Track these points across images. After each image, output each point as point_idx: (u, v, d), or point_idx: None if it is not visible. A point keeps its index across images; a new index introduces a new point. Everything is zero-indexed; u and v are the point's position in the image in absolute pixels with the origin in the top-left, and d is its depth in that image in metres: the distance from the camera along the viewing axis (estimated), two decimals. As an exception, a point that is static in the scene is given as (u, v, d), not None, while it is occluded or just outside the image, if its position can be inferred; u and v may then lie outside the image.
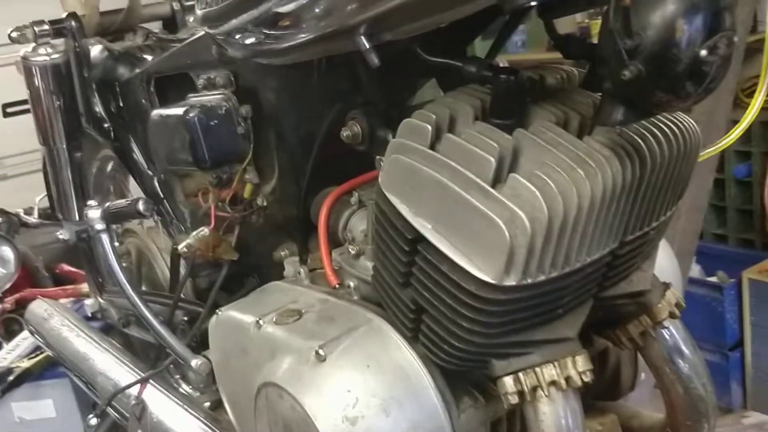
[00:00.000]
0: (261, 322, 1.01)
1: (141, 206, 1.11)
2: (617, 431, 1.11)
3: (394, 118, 0.96)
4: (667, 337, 1.01)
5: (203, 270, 1.42)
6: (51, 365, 2.04)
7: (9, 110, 2.22)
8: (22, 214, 3.02)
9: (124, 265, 1.86)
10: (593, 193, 0.78)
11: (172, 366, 1.40)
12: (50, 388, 2.05)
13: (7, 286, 2.71)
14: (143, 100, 1.45)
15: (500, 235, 0.76)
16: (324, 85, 1.09)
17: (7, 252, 2.72)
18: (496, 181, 0.79)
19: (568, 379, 0.85)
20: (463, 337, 0.84)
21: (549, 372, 0.85)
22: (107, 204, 1.19)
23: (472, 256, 0.80)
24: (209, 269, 1.41)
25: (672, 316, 0.97)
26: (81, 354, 1.67)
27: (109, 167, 1.92)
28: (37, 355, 2.07)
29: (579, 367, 0.85)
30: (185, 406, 1.38)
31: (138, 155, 1.57)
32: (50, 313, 1.87)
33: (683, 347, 1.01)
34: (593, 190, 0.78)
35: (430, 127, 0.84)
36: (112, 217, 1.16)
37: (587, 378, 0.85)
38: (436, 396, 0.90)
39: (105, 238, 1.17)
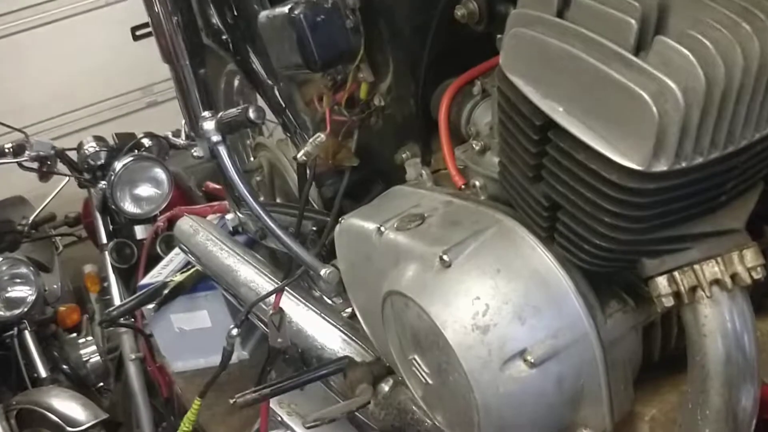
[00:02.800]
0: (382, 228, 0.95)
1: (252, 113, 1.06)
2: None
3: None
4: None
5: (327, 179, 1.37)
6: (202, 278, 2.11)
7: (138, 33, 2.24)
8: (170, 136, 3.13)
9: (258, 178, 1.88)
10: (764, 53, 0.63)
11: (309, 277, 1.39)
12: (204, 299, 2.12)
13: (163, 206, 2.85)
14: (255, 5, 1.39)
15: (646, 112, 0.63)
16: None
17: (160, 174, 2.84)
18: (640, 47, 0.66)
19: (734, 276, 0.72)
20: (606, 235, 0.73)
21: (711, 269, 0.72)
22: (220, 114, 1.15)
23: (613, 139, 0.68)
24: (333, 177, 1.36)
25: None
26: (225, 266, 1.70)
27: (236, 81, 1.91)
28: (188, 269, 2.15)
29: (748, 262, 0.72)
30: (324, 315, 1.37)
31: (257, 65, 1.53)
32: (196, 229, 1.91)
33: None
34: (764, 48, 0.63)
35: (556, -8, 0.72)
36: (225, 127, 1.12)
37: (758, 275, 0.72)
38: (577, 300, 0.81)
39: (222, 150, 1.13)
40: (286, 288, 1.36)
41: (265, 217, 1.15)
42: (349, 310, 1.47)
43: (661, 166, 0.66)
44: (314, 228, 1.36)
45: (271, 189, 1.83)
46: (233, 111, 1.12)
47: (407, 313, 0.87)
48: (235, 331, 1.31)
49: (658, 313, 0.86)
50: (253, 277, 1.62)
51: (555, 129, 0.73)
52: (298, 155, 1.17)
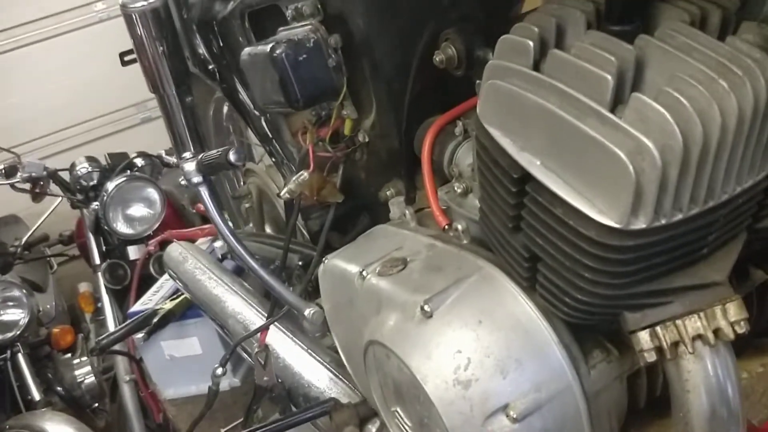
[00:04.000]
0: (365, 273, 0.94)
1: (232, 156, 1.05)
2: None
3: (495, 34, 0.82)
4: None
5: (313, 212, 1.35)
6: (192, 305, 2.10)
7: (126, 58, 2.23)
8: (164, 155, 3.11)
9: (247, 205, 1.86)
10: (741, 109, 0.62)
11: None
12: (194, 326, 2.10)
13: (156, 225, 2.83)
14: (240, 38, 1.38)
15: (623, 171, 0.62)
16: (414, 2, 0.96)
17: (153, 194, 2.82)
18: (616, 103, 0.65)
19: (717, 331, 0.71)
20: (586, 289, 0.71)
21: (693, 324, 0.71)
22: (200, 156, 1.13)
23: (590, 196, 0.66)
24: (319, 211, 1.34)
25: None
26: (213, 296, 1.69)
27: (225, 107, 1.90)
28: (178, 296, 2.14)
29: (731, 316, 0.71)
30: (311, 352, 1.35)
31: (244, 96, 1.52)
32: (185, 257, 1.90)
33: None
34: (741, 104, 0.62)
35: (532, 43, 0.70)
36: (206, 169, 1.11)
37: (741, 329, 0.71)
38: (560, 351, 0.79)
39: (204, 191, 1.12)
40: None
41: (248, 258, 1.14)
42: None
43: (640, 224, 0.65)
44: (300, 263, 1.35)
45: (260, 215, 1.81)
46: (213, 153, 1.10)
47: (389, 364, 0.86)
48: (219, 371, 1.29)
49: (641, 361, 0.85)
50: (241, 308, 1.60)
51: (532, 182, 0.71)
52: (282, 193, 1.15)
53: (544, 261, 0.75)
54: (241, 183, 1.99)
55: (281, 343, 1.37)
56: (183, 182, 1.50)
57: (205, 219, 2.97)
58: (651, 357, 0.73)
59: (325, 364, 1.31)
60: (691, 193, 0.64)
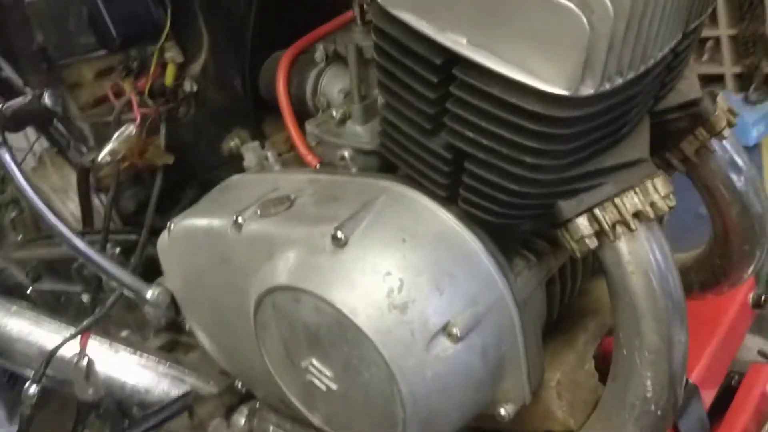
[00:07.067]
0: (240, 219, 0.80)
1: (48, 99, 0.84)
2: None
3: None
4: (720, 151, 0.87)
5: (125, 190, 1.17)
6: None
7: None
8: None
9: (13, 214, 1.58)
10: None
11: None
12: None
13: None
14: (1, -5, 1.15)
15: (575, 26, 0.57)
16: None
17: None
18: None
19: (652, 205, 0.70)
20: (525, 177, 0.66)
21: (630, 201, 0.69)
22: None
23: (533, 65, 0.61)
24: (133, 187, 1.16)
25: (729, 124, 0.84)
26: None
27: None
28: None
29: (660, 190, 0.70)
30: (139, 353, 1.15)
31: (7, 72, 1.27)
32: None
33: (738, 160, 0.89)
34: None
35: None
36: (11, 123, 0.88)
37: (671, 202, 0.70)
38: (489, 260, 0.73)
39: (6, 155, 0.88)
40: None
41: (73, 237, 0.92)
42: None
43: (588, 89, 0.61)
44: (117, 250, 1.15)
45: (35, 224, 1.54)
46: (18, 100, 0.88)
47: (299, 310, 0.73)
48: (33, 389, 1.04)
49: (556, 266, 0.82)
50: (29, 328, 1.34)
51: (460, 65, 0.65)
52: (100, 156, 0.96)
53: (473, 157, 0.68)
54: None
55: (100, 350, 1.16)
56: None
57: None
58: (592, 243, 0.70)
59: (162, 362, 1.13)
60: (632, 53, 0.62)
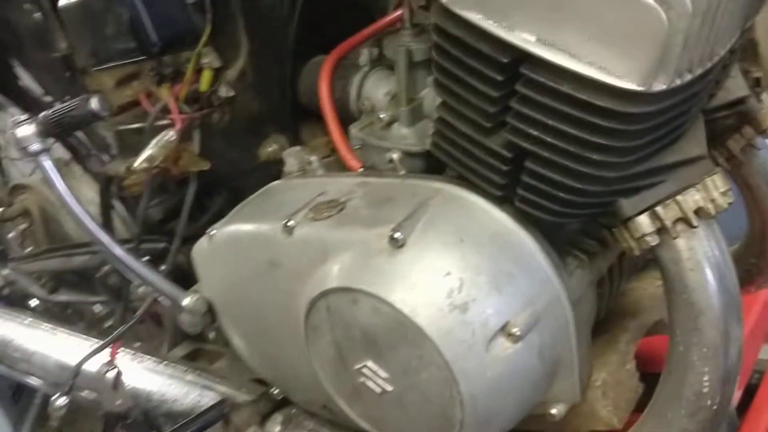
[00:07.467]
0: (290, 223, 0.79)
1: (95, 104, 0.83)
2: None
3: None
4: (765, 149, 0.88)
5: (151, 199, 1.15)
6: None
7: None
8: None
9: (23, 226, 1.55)
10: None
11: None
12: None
13: None
14: (27, 4, 1.14)
15: (653, 20, 0.58)
16: None
17: None
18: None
19: (713, 202, 0.70)
20: (589, 175, 0.66)
21: (692, 198, 0.69)
22: (42, 114, 0.87)
23: (605, 62, 0.61)
24: (159, 196, 1.15)
25: (775, 122, 0.85)
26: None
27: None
28: None
29: (719, 187, 0.71)
30: (165, 363, 1.14)
31: (27, 81, 1.26)
32: None
33: (785, 159, 0.90)
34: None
35: None
36: (59, 129, 0.85)
37: (731, 199, 0.71)
38: (544, 260, 0.73)
39: (47, 162, 0.86)
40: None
41: (111, 244, 0.90)
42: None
43: (661, 85, 0.61)
44: (148, 257, 1.13)
45: (47, 237, 1.52)
46: (64, 106, 0.86)
47: (356, 312, 0.73)
48: (61, 401, 1.02)
49: (606, 267, 0.82)
50: (46, 340, 1.31)
51: (528, 63, 0.65)
52: (136, 163, 0.95)
53: (535, 155, 0.68)
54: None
55: (127, 360, 1.14)
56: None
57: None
58: (654, 240, 0.70)
59: (191, 371, 1.11)
60: (702, 49, 0.63)
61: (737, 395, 1.14)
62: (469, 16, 0.66)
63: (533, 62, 0.64)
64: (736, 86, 0.82)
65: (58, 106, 0.86)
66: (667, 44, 0.59)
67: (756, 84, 2.58)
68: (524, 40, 0.64)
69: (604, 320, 0.90)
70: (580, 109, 0.64)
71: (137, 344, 1.35)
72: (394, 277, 0.71)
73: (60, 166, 1.48)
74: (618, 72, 0.61)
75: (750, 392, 1.22)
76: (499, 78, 0.67)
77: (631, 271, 0.94)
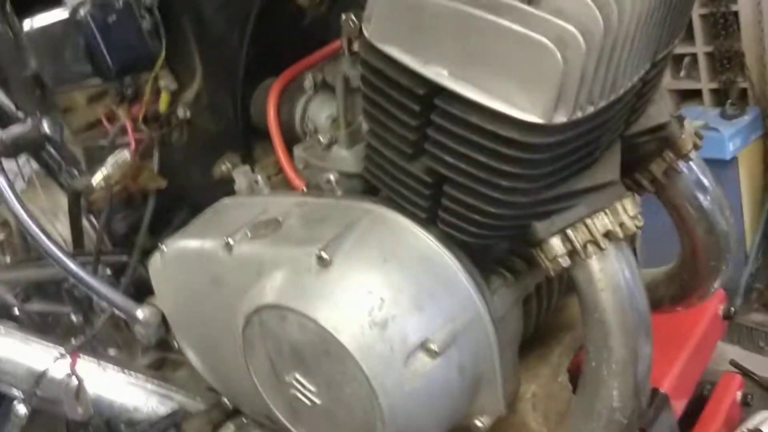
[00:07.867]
0: (231, 241, 0.83)
1: (47, 127, 0.87)
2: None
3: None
4: (687, 172, 0.92)
5: (117, 213, 1.19)
6: None
7: None
8: None
9: (1, 236, 1.59)
10: (644, -3, 0.66)
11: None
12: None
13: None
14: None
15: (549, 60, 0.62)
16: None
17: None
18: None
19: (621, 226, 0.74)
20: (501, 200, 0.70)
21: (601, 222, 0.73)
22: None
23: (509, 96, 0.65)
24: (124, 210, 1.19)
25: (695, 147, 0.89)
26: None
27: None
28: None
29: (629, 211, 0.74)
30: (127, 372, 1.17)
31: (0, 97, 1.30)
32: None
33: (704, 180, 0.93)
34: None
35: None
36: (9, 149, 0.90)
37: (640, 222, 0.75)
38: (467, 280, 0.77)
39: (2, 180, 0.91)
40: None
41: (64, 257, 0.95)
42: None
43: (561, 118, 0.65)
44: (108, 271, 1.17)
45: (24, 247, 1.56)
46: (16, 128, 0.90)
47: (284, 328, 0.77)
48: (23, 409, 1.06)
49: (533, 284, 0.86)
50: (18, 349, 1.35)
51: (441, 95, 0.69)
52: (94, 180, 0.99)
53: (452, 181, 0.72)
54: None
55: (89, 369, 1.18)
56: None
57: None
58: (565, 262, 0.74)
59: (150, 380, 1.15)
60: (602, 84, 0.66)
61: (681, 405, 1.17)
62: (389, 51, 0.70)
63: (446, 95, 0.68)
64: (657, 113, 0.85)
65: (11, 126, 0.90)
66: (564, 81, 0.63)
67: (742, 95, 2.60)
68: (437, 73, 0.68)
69: (538, 334, 0.94)
70: (488, 139, 0.67)
71: (112, 352, 1.39)
72: (319, 295, 0.75)
73: (41, 178, 1.53)
74: (521, 105, 0.65)
75: (700, 403, 1.26)
76: (417, 108, 0.70)
77: (570, 287, 0.97)
